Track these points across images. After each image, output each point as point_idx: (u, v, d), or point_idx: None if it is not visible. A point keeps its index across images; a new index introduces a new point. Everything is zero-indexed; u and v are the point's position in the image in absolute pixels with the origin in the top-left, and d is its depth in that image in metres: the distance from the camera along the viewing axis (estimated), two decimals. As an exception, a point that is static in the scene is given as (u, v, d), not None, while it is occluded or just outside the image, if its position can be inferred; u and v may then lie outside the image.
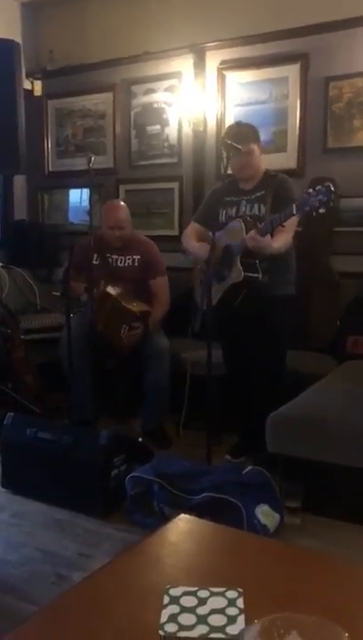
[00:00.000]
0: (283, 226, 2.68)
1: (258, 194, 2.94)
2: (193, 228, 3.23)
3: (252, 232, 2.71)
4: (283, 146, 3.85)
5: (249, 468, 2.54)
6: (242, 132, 2.93)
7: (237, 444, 3.14)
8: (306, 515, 2.51)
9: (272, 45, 3.85)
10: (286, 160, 3.81)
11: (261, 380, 2.99)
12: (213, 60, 4.07)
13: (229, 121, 4.02)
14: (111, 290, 3.32)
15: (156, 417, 3.41)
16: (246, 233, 2.75)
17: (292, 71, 3.81)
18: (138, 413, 3.48)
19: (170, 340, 3.50)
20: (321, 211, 2.51)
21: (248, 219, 2.86)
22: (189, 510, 2.38)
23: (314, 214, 2.55)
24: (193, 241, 3.16)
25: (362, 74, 3.59)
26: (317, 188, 2.51)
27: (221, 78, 4.04)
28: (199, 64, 4.10)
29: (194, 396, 3.26)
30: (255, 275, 2.81)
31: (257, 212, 2.90)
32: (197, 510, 2.37)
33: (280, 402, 2.71)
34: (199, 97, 4.10)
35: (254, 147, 2.93)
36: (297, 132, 3.80)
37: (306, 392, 2.84)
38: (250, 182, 2.99)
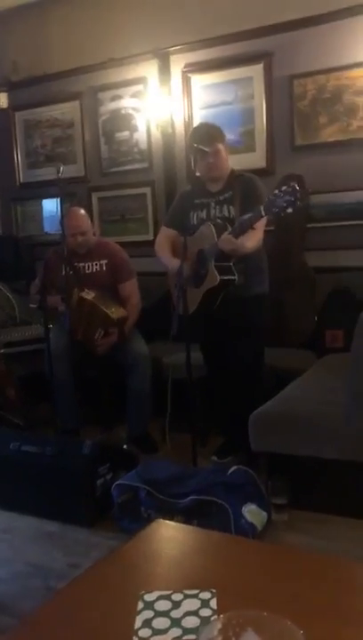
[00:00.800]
0: (253, 228, 2.70)
1: (226, 195, 2.95)
2: (165, 234, 3.22)
3: (226, 235, 2.72)
4: (252, 145, 3.88)
5: (234, 467, 2.54)
6: (207, 133, 2.95)
7: (222, 445, 3.14)
8: (293, 511, 2.52)
9: (235, 46, 3.87)
10: (255, 159, 3.83)
11: (240, 379, 3.00)
12: (178, 63, 4.09)
13: (197, 123, 4.05)
14: (86, 295, 3.33)
15: (140, 423, 3.41)
16: (217, 236, 2.77)
17: (256, 71, 3.83)
18: (123, 420, 3.48)
19: (150, 344, 3.50)
20: (289, 211, 2.54)
21: (218, 221, 2.87)
22: (176, 514, 2.40)
23: (282, 214, 2.58)
24: (166, 252, 3.15)
25: (325, 70, 3.62)
26: (282, 189, 2.54)
27: (187, 81, 4.06)
28: (164, 68, 4.12)
29: (177, 399, 3.27)
30: (232, 277, 2.82)
31: (227, 214, 2.91)
32: (185, 514, 2.38)
33: (262, 400, 2.73)
34: (166, 101, 4.11)
35: (221, 146, 2.94)
36: (265, 131, 3.83)
37: (287, 388, 2.86)
38: (217, 184, 3.00)
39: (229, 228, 2.75)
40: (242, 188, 2.90)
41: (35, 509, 2.68)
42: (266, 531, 2.41)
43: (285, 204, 2.52)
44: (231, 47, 3.89)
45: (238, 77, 3.89)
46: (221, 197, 2.96)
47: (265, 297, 3.04)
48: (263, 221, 2.81)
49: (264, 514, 2.43)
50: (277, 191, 2.56)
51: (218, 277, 2.80)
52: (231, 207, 2.89)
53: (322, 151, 3.68)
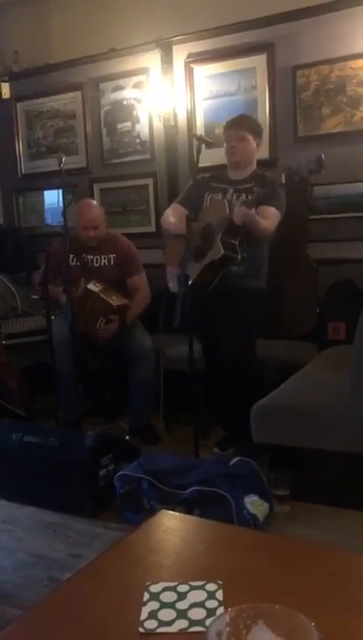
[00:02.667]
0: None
1: (247, 185, 2.95)
2: (174, 208, 3.18)
3: (239, 207, 2.72)
4: (254, 136, 3.85)
5: (236, 459, 2.55)
6: (240, 119, 3.04)
7: (223, 437, 3.15)
8: (295, 502, 2.53)
9: (238, 36, 3.85)
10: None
11: (231, 370, 3.00)
12: (180, 53, 4.06)
13: (199, 114, 4.04)
14: (93, 286, 3.32)
15: (142, 415, 3.42)
16: (230, 212, 2.75)
17: (259, 61, 3.81)
18: (125, 412, 3.48)
19: (152, 336, 3.50)
20: (311, 179, 2.63)
21: (233, 199, 2.87)
22: (178, 505, 2.41)
23: (297, 179, 2.69)
24: (171, 218, 3.13)
25: (328, 61, 3.60)
26: (308, 159, 2.60)
27: (189, 72, 4.03)
28: (166, 59, 4.09)
29: (180, 391, 3.27)
30: (234, 254, 2.80)
31: (249, 201, 2.87)
32: (187, 504, 2.39)
33: (260, 391, 2.73)
34: (168, 92, 4.09)
35: (248, 136, 2.98)
36: (268, 122, 3.80)
37: (289, 380, 2.86)
38: (240, 173, 3.01)
39: (244, 198, 2.79)
40: (262, 184, 2.90)
41: (37, 500, 2.69)
42: (268, 522, 2.42)
43: (307, 173, 2.60)
44: (234, 37, 3.86)
45: (241, 68, 3.87)
46: (240, 187, 2.96)
47: (261, 291, 3.04)
48: (276, 215, 2.87)
49: (266, 505, 2.44)
50: (301, 161, 2.62)
51: (222, 250, 2.77)
52: (250, 196, 2.87)
53: (325, 142, 3.65)
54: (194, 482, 2.41)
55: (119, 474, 2.56)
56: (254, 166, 3.07)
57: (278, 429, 2.60)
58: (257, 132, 3.03)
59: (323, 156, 2.57)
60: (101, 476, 2.64)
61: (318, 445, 2.50)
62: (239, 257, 2.80)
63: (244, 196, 2.91)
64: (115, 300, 3.31)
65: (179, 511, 2.32)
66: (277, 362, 3.27)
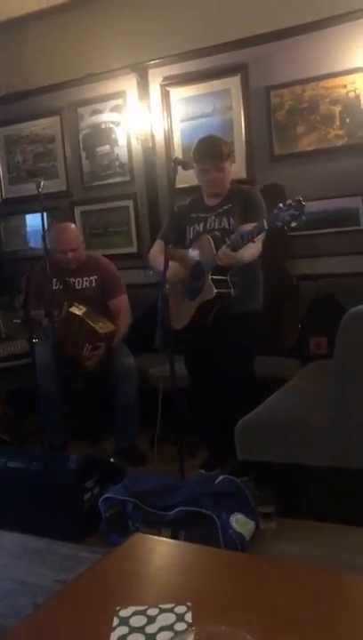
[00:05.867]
0: (254, 241, 2.66)
1: (225, 207, 2.92)
2: (159, 247, 3.14)
3: (224, 248, 2.67)
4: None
5: (221, 477, 2.54)
6: (212, 147, 2.91)
7: (208, 458, 3.13)
8: (281, 519, 2.52)
9: (211, 59, 3.92)
10: (235, 170, 3.79)
11: (230, 394, 2.97)
12: (156, 77, 4.13)
13: (177, 135, 4.10)
14: (76, 310, 3.32)
15: (128, 436, 3.40)
16: (216, 249, 2.73)
17: (233, 83, 3.88)
18: (110, 434, 3.47)
19: (137, 356, 3.50)
20: (293, 225, 2.48)
21: (216, 233, 2.84)
22: (163, 527, 2.39)
23: (286, 228, 2.53)
24: (160, 258, 3.06)
25: (301, 81, 3.68)
26: (287, 202, 2.49)
27: (165, 94, 4.10)
28: (142, 82, 4.16)
29: (165, 411, 3.26)
30: (227, 290, 2.79)
31: (227, 226, 2.88)
32: (172, 526, 2.37)
33: (246, 410, 2.73)
34: (145, 114, 4.15)
35: (226, 163, 2.91)
36: (244, 142, 3.87)
37: (272, 396, 2.87)
38: (217, 198, 2.97)
39: (228, 241, 2.69)
40: (242, 200, 2.89)
41: (21, 525, 2.66)
42: (254, 540, 2.41)
43: (289, 218, 2.46)
44: (208, 60, 3.94)
45: (216, 90, 3.94)
46: (219, 210, 2.93)
47: (259, 313, 3.01)
48: (263, 234, 2.76)
49: (252, 523, 2.43)
50: (281, 205, 2.50)
51: (214, 290, 2.76)
52: (231, 218, 2.86)
53: (301, 160, 3.72)
54: (179, 502, 2.39)
55: (104, 497, 2.54)
56: (228, 185, 3.02)
57: (261, 446, 2.60)
58: (230, 154, 2.98)
59: (302, 199, 2.45)
60: (86, 500, 2.62)
61: (301, 461, 2.50)
62: (232, 291, 2.79)
63: (225, 220, 2.88)
64: (101, 327, 3.31)
65: (164, 533, 2.32)
66: (260, 377, 3.27)
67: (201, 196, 3.05)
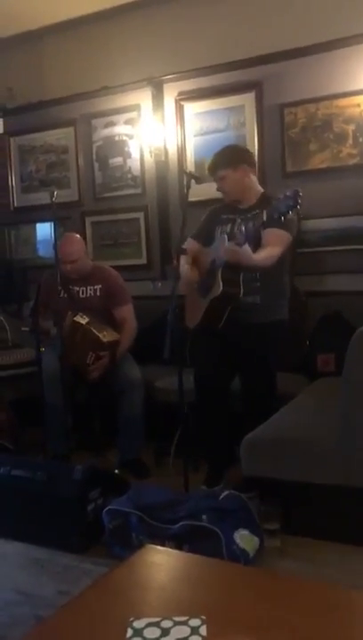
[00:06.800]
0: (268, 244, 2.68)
1: (254, 212, 2.92)
2: (189, 245, 3.11)
3: (229, 243, 2.69)
4: (244, 172, 3.92)
5: (226, 493, 2.52)
6: (214, 161, 2.99)
7: (209, 472, 3.08)
8: (286, 536, 2.50)
9: (227, 75, 3.96)
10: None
11: (249, 408, 2.94)
12: (171, 91, 4.16)
13: (190, 150, 4.12)
14: (80, 319, 3.32)
15: (132, 448, 3.38)
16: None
17: (247, 99, 3.91)
18: (114, 445, 3.45)
19: (143, 368, 3.49)
20: (289, 215, 2.54)
21: (236, 231, 2.86)
22: (167, 540, 2.37)
23: (282, 219, 2.56)
24: (185, 264, 3.05)
25: (314, 99, 3.70)
26: (285, 194, 2.52)
27: (180, 109, 4.13)
28: (157, 96, 4.19)
29: (170, 424, 3.25)
30: (236, 289, 2.78)
31: (252, 228, 2.85)
32: (176, 540, 2.36)
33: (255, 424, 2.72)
34: (159, 128, 4.18)
35: (225, 171, 2.93)
36: (256, 157, 3.86)
37: (279, 413, 2.85)
38: (246, 202, 2.98)
39: (236, 237, 2.72)
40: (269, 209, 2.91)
41: (24, 535, 2.64)
42: (258, 557, 2.39)
43: (285, 209, 2.50)
44: (223, 76, 3.97)
45: (230, 105, 3.97)
46: (249, 214, 2.94)
47: (284, 324, 2.98)
48: (282, 236, 2.78)
49: (256, 539, 2.41)
50: (281, 196, 2.54)
51: (221, 287, 2.75)
52: (257, 223, 2.84)
53: (312, 177, 3.74)
54: (183, 516, 2.38)
55: (107, 508, 2.52)
56: (259, 190, 3.01)
57: (267, 462, 2.58)
58: (235, 161, 2.95)
59: (300, 191, 2.51)
60: (90, 511, 2.60)
61: (307, 479, 2.48)
62: (241, 292, 2.79)
63: (251, 224, 2.87)
64: (105, 336, 3.31)
65: (169, 546, 2.29)
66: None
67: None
